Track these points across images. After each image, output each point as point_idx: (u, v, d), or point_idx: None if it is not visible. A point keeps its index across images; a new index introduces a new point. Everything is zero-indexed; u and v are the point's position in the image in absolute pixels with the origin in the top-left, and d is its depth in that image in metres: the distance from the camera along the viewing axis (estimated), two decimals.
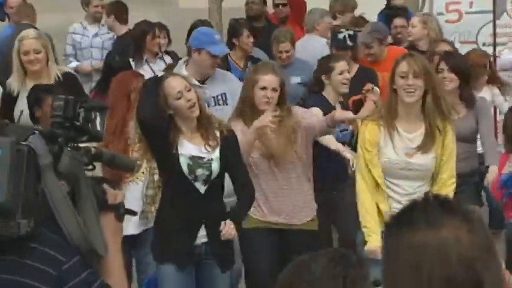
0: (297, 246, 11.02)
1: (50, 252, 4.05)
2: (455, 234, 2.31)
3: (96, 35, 19.60)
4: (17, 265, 4.00)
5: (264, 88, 11.11)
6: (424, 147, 10.61)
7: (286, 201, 11.54)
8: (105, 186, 4.45)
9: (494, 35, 18.27)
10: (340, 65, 13.33)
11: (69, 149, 4.25)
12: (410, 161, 10.63)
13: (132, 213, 4.88)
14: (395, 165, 10.70)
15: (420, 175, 10.80)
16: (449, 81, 12.80)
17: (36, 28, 17.71)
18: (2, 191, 3.80)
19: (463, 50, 16.75)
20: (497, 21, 18.85)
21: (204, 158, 10.59)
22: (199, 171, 10.49)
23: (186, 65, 13.95)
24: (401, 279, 2.38)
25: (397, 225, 2.52)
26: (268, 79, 11.23)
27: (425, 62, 11.70)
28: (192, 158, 10.58)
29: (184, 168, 10.59)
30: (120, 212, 4.48)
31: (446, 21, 20.02)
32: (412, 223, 2.39)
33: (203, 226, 10.71)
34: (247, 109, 11.33)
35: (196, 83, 12.90)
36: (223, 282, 11.15)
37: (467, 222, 2.35)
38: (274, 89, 11.11)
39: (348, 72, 13.42)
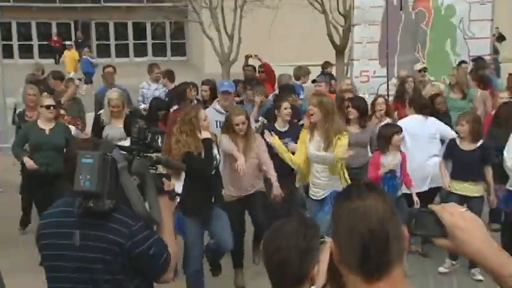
0: (257, 200, 13.28)
1: (124, 219, 5.60)
2: (375, 203, 3.28)
3: (156, 89, 21.61)
4: (104, 226, 5.56)
5: (237, 124, 12.69)
6: (326, 147, 12.86)
7: (245, 183, 13.26)
8: (164, 179, 6.08)
9: (388, 89, 20.64)
10: (285, 104, 15.05)
11: (138, 157, 5.83)
12: (318, 154, 12.96)
13: (178, 195, 7.12)
14: (312, 155, 13.07)
15: (324, 162, 13.06)
16: (352, 113, 15.34)
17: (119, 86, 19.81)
18: (94, 184, 5.27)
19: (370, 99, 18.08)
20: (390, 82, 21.29)
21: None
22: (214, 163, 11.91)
23: (217, 102, 15.98)
24: (342, 232, 3.33)
25: (341, 198, 3.56)
26: (239, 118, 12.80)
27: (322, 99, 13.89)
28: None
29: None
30: (172, 195, 6.22)
31: (361, 81, 22.73)
32: (350, 197, 3.40)
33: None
34: (230, 129, 12.88)
35: (223, 111, 15.25)
36: (224, 215, 12.18)
37: (382, 196, 3.38)
38: (243, 123, 12.64)
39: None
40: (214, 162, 11.72)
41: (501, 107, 15.61)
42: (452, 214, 3.31)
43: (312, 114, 13.16)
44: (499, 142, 13.99)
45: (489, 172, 13.50)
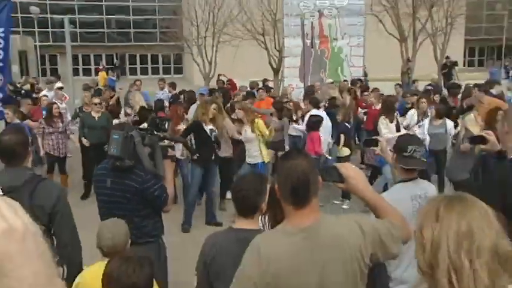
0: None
1: (139, 173, 5.39)
2: (300, 161, 3.12)
3: (162, 94, 19.02)
4: (125, 176, 5.36)
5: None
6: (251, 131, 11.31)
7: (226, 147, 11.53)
8: (169, 149, 5.84)
9: (304, 96, 17.18)
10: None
11: (150, 135, 5.60)
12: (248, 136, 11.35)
13: (177, 159, 6.15)
14: (247, 137, 11.56)
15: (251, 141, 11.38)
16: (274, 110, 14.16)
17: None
18: (119, 151, 5.17)
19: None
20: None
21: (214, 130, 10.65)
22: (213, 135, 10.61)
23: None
24: (282, 178, 3.14)
25: (283, 158, 3.45)
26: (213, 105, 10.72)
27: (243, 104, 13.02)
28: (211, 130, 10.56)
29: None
30: (173, 159, 5.94)
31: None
32: (287, 157, 3.31)
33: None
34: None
35: None
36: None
37: (306, 157, 3.24)
38: (214, 109, 10.65)
39: None
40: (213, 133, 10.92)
41: (384, 99, 13.93)
42: (346, 168, 3.37)
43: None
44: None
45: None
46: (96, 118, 13.39)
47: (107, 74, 38.80)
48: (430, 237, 2.23)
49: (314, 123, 12.40)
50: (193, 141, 11.07)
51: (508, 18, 50.37)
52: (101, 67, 48.91)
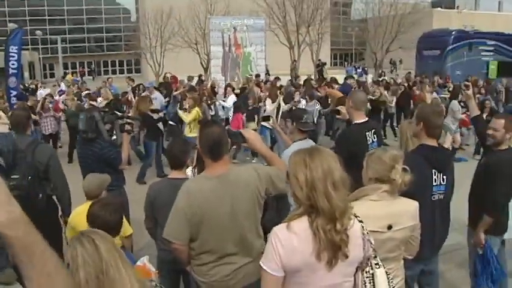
0: None
1: (100, 142, 5.08)
2: (216, 129, 3.03)
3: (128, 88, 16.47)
4: (90, 145, 5.08)
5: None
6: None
7: None
8: (126, 125, 5.32)
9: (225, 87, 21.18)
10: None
11: (111, 114, 5.35)
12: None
13: (132, 131, 5.51)
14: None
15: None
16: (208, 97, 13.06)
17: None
18: (84, 126, 5.05)
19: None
20: (226, 83, 18.69)
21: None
22: None
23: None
24: (203, 141, 3.00)
25: (203, 126, 3.17)
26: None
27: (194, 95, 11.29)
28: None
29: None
30: (129, 132, 5.35)
31: None
32: (206, 126, 3.11)
33: None
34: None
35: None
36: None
37: (220, 126, 3.14)
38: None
39: None
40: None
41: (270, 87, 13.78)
42: (248, 132, 3.33)
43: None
44: None
45: None
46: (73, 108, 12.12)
47: (84, 75, 42.79)
48: (304, 179, 2.26)
49: (236, 107, 11.93)
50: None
51: (355, 37, 51.82)
52: (82, 69, 53.09)
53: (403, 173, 2.80)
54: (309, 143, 4.67)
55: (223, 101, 13.49)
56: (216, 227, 2.96)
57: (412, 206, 2.95)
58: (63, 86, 19.84)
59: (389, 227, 2.81)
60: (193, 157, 3.80)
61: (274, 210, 3.53)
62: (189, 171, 4.15)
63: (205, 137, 3.04)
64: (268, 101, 11.73)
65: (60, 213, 4.92)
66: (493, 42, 28.36)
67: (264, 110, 11.21)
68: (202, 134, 3.10)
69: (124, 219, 3.62)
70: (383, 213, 2.76)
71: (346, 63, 50.25)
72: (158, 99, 13.36)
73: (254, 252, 3.07)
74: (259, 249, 3.05)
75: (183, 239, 2.98)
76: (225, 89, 14.60)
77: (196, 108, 10.38)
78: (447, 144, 10.56)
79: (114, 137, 5.81)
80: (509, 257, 5.00)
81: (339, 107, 5.35)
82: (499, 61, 27.72)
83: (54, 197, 4.87)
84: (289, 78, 21.80)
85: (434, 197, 3.59)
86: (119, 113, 5.69)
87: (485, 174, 4.36)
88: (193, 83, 18.90)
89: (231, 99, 13.21)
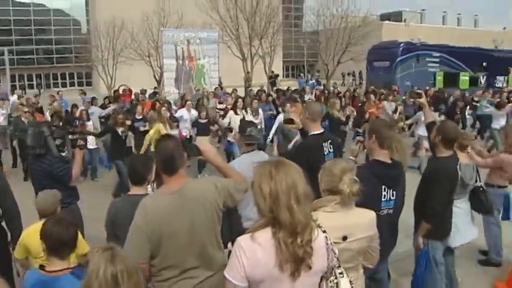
0: None
1: (49, 157, 5.05)
2: (170, 143, 3.02)
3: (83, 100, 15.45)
4: (39, 160, 5.04)
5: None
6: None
7: None
8: (79, 140, 5.30)
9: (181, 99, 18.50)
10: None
11: (59, 129, 5.29)
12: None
13: (85, 146, 5.56)
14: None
15: None
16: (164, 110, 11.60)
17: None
18: (31, 142, 4.93)
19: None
20: (179, 96, 19.94)
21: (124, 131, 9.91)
22: None
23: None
24: (158, 156, 3.02)
25: (158, 141, 3.11)
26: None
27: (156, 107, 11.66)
28: None
29: None
30: (81, 147, 5.27)
31: (167, 96, 19.71)
32: (161, 140, 3.09)
33: None
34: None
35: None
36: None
37: (173, 140, 3.09)
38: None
39: None
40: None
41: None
42: (203, 145, 3.31)
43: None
44: None
45: None
46: (26, 122, 11.88)
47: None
48: (268, 191, 2.28)
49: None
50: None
51: (307, 49, 52.43)
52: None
53: (351, 184, 2.84)
54: (258, 155, 4.73)
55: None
56: (176, 243, 2.92)
57: (367, 217, 3.00)
58: (13, 99, 19.16)
59: (344, 238, 2.85)
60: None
61: (227, 223, 3.53)
62: (149, 187, 4.07)
63: (159, 152, 3.03)
64: (232, 114, 11.58)
65: (9, 239, 4.65)
66: (438, 54, 29.54)
67: (229, 123, 11.17)
68: (156, 149, 3.08)
69: (80, 237, 3.53)
70: (338, 225, 2.77)
71: (303, 75, 50.79)
72: (95, 114, 13.10)
73: (215, 265, 3.06)
74: (221, 262, 3.07)
75: (143, 257, 2.91)
76: (184, 102, 13.69)
77: (158, 124, 10.16)
78: (423, 152, 10.76)
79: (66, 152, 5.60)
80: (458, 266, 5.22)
81: (292, 116, 5.40)
82: (445, 72, 28.88)
83: (3, 223, 4.66)
84: (245, 89, 21.90)
85: (382, 212, 3.64)
86: (70, 128, 5.65)
87: (426, 181, 4.48)
88: (146, 96, 18.82)
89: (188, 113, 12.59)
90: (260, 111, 12.24)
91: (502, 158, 6.18)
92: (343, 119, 11.45)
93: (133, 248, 2.88)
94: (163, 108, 10.02)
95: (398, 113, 13.29)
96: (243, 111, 11.45)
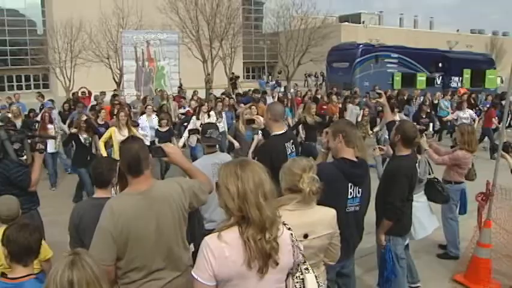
0: None
1: (7, 162, 4.91)
2: (134, 145, 2.99)
3: (42, 103, 15.85)
4: None
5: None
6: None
7: None
8: (37, 143, 5.15)
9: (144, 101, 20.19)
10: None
11: (16, 133, 5.13)
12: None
13: (44, 150, 5.33)
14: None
15: None
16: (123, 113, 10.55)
17: None
18: None
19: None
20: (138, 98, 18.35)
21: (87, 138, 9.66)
22: None
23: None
24: (122, 157, 2.99)
25: (122, 143, 3.09)
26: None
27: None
28: None
29: None
30: (40, 151, 5.12)
31: (128, 98, 19.64)
32: (125, 142, 3.06)
33: None
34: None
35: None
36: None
37: (138, 141, 3.07)
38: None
39: None
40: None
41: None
42: (168, 146, 3.31)
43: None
44: None
45: None
46: None
47: None
48: (236, 191, 2.30)
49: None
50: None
51: (267, 51, 52.69)
52: None
53: (310, 182, 2.88)
54: (219, 156, 4.81)
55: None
56: (142, 244, 2.91)
57: (328, 215, 3.05)
58: None
59: (305, 236, 2.89)
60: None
61: (188, 225, 3.46)
62: (112, 190, 4.01)
63: (124, 154, 3.00)
64: (194, 119, 11.41)
65: None
66: (396, 55, 30.08)
67: (201, 124, 11.05)
68: (121, 151, 3.05)
69: (43, 242, 3.47)
70: (299, 223, 2.79)
71: (271, 77, 51.08)
72: (57, 118, 12.68)
73: (182, 266, 3.07)
74: (187, 262, 3.08)
75: (109, 260, 2.87)
76: (145, 107, 12.90)
77: (111, 128, 9.82)
78: (376, 152, 10.64)
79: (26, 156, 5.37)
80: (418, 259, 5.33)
81: (254, 117, 5.47)
82: (403, 73, 29.42)
83: None
84: (206, 91, 21.87)
85: (349, 209, 3.72)
86: (29, 132, 5.46)
87: (386, 179, 4.60)
88: (106, 98, 18.32)
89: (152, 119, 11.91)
90: (224, 114, 12.20)
91: (458, 155, 6.46)
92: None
93: (99, 250, 2.83)
94: (122, 114, 9.70)
95: (362, 115, 13.39)
96: (206, 115, 11.35)
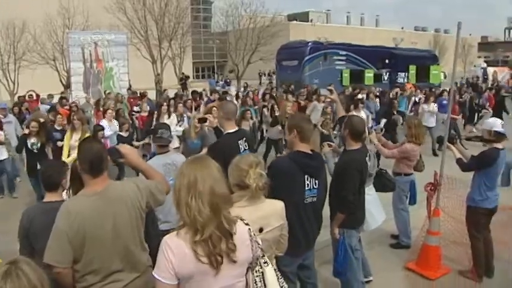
0: None
1: None
2: (95, 144, 3.03)
3: None
4: None
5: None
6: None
7: None
8: None
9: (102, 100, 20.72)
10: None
11: None
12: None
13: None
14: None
15: None
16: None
17: None
18: None
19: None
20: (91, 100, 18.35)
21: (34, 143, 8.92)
22: None
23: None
24: (81, 157, 2.92)
25: (82, 142, 3.08)
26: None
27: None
28: None
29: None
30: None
31: (78, 99, 18.95)
32: (85, 142, 3.10)
33: None
34: None
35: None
36: None
37: (98, 142, 3.31)
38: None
39: None
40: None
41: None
42: (124, 147, 3.30)
43: None
44: None
45: None
46: None
47: None
48: (177, 187, 2.38)
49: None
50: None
51: (217, 50, 52.70)
52: None
53: (257, 178, 2.93)
54: (171, 157, 4.88)
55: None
56: (100, 246, 2.87)
57: (278, 207, 3.11)
58: None
59: (261, 230, 2.95)
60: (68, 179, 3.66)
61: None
62: (64, 194, 3.93)
63: (85, 153, 2.95)
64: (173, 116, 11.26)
65: None
66: (344, 53, 30.62)
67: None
68: (81, 150, 3.00)
69: None
70: (253, 218, 2.80)
71: (222, 76, 50.96)
72: (14, 123, 11.88)
73: (141, 267, 3.05)
74: (146, 263, 3.07)
75: (66, 262, 2.82)
76: (104, 111, 12.17)
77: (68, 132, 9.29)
78: (326, 148, 10.75)
79: None
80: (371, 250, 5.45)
81: (206, 115, 5.53)
82: (351, 69, 29.86)
83: None
84: (156, 92, 21.61)
85: (306, 200, 3.82)
86: None
87: (338, 173, 4.67)
88: (54, 101, 17.87)
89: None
90: (185, 116, 12.03)
91: (407, 148, 6.66)
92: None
93: (55, 253, 2.80)
94: (75, 118, 9.34)
95: (326, 113, 13.27)
96: (165, 115, 11.15)
